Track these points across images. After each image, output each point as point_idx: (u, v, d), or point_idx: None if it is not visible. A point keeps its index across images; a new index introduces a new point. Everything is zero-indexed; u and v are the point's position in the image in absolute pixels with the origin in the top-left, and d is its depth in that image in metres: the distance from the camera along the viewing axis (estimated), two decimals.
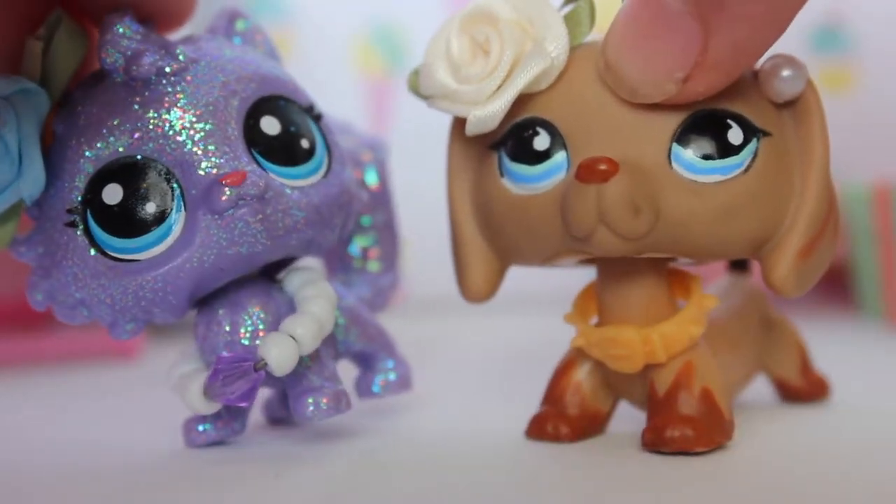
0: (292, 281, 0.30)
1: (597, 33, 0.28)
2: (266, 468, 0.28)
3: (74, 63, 0.28)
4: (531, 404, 0.31)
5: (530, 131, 0.28)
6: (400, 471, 0.27)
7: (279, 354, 0.27)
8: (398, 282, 0.37)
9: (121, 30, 0.28)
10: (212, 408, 0.28)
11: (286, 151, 0.29)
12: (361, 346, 0.32)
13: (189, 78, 0.28)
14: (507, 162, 0.28)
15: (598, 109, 0.27)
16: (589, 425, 0.30)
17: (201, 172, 0.27)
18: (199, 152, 0.27)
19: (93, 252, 0.27)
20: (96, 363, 0.51)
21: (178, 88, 0.28)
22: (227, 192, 0.27)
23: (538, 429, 0.30)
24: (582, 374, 0.30)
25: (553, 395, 0.30)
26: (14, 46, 0.28)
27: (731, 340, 0.32)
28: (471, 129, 0.28)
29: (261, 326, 0.29)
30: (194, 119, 0.28)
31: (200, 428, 0.30)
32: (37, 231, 0.28)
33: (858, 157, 0.68)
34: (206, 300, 0.29)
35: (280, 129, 0.29)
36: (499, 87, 0.28)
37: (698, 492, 0.24)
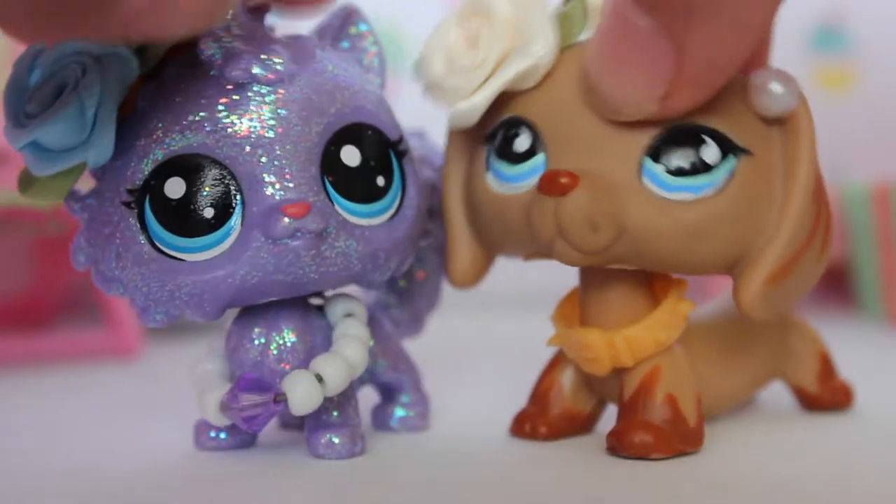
0: (334, 309, 0.29)
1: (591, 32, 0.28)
2: (267, 468, 0.28)
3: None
4: (524, 403, 0.31)
5: (514, 130, 0.28)
6: (399, 470, 0.27)
7: (302, 395, 0.27)
8: (437, 305, 0.36)
9: (226, 24, 0.27)
10: (223, 422, 0.28)
11: (358, 186, 0.28)
12: (388, 378, 0.32)
13: (282, 92, 0.27)
14: (492, 158, 0.28)
15: (578, 115, 0.27)
16: (569, 425, 0.30)
17: (267, 193, 0.26)
18: (270, 172, 0.26)
19: (141, 239, 0.26)
20: (96, 363, 0.51)
21: (268, 100, 0.27)
22: (286, 222, 0.26)
23: (518, 427, 0.30)
24: (564, 375, 0.30)
25: (536, 394, 0.31)
26: None
27: (732, 345, 0.31)
28: (452, 122, 0.28)
29: (289, 356, 0.28)
30: (274, 136, 0.26)
31: (213, 434, 0.30)
32: (94, 196, 0.27)
33: (858, 157, 0.68)
34: (245, 310, 0.29)
35: (359, 161, 0.28)
36: (483, 82, 0.28)
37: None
